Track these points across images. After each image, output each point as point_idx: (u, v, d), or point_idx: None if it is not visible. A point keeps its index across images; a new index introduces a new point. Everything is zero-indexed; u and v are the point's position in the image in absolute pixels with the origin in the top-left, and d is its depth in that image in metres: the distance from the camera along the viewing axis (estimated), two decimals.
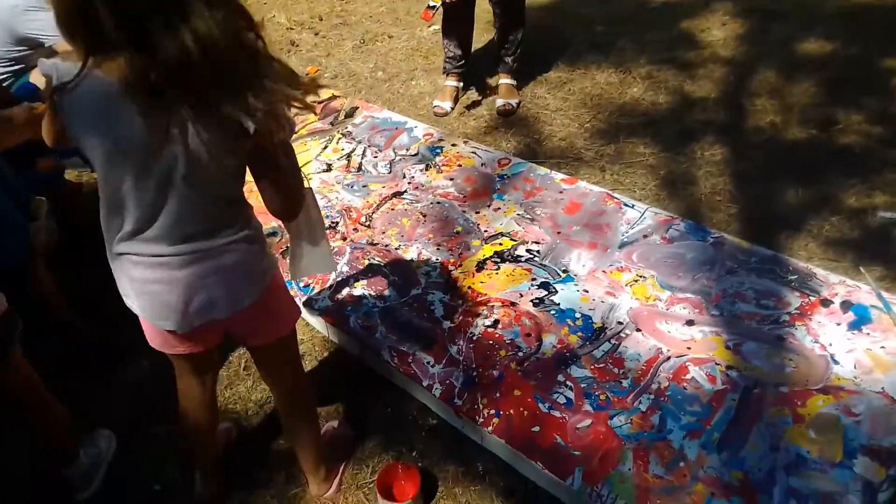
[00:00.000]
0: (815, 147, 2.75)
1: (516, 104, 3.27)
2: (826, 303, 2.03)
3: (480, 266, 2.34)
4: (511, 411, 1.84)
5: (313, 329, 2.28)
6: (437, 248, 2.45)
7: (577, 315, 2.11)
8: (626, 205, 2.52)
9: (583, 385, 1.89)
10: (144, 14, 0.95)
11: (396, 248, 2.47)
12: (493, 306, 2.17)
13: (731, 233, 2.40)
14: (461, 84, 3.43)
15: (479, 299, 2.21)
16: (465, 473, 1.79)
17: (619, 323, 2.06)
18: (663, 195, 2.65)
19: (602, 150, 2.95)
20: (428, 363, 2.01)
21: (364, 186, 2.83)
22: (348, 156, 3.05)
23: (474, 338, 2.07)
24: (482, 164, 2.87)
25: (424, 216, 2.62)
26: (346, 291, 2.30)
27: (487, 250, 2.41)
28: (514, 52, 3.24)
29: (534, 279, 2.26)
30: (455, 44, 3.31)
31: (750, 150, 2.79)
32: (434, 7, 2.88)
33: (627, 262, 2.28)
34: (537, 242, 2.42)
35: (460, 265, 2.36)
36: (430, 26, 4.05)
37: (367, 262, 2.42)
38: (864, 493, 1.56)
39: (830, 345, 1.91)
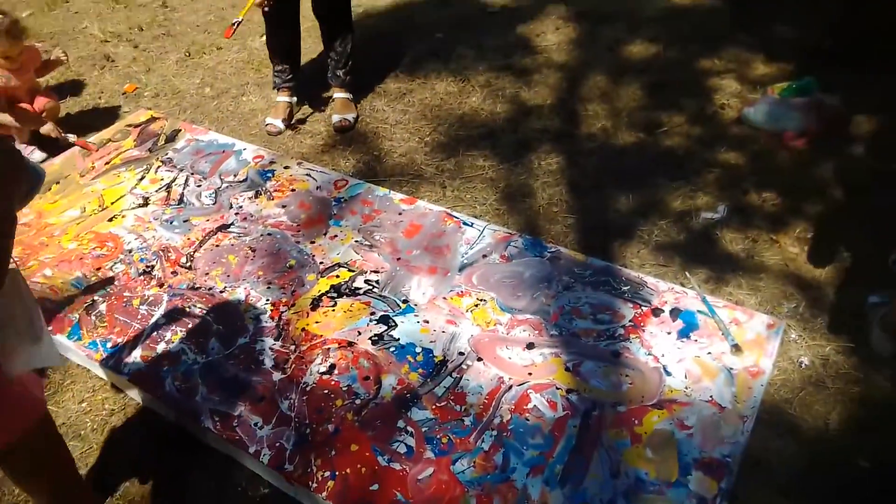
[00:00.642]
0: (643, 151, 2.83)
1: (353, 119, 3.12)
2: (657, 312, 2.06)
3: (315, 304, 2.17)
4: (347, 470, 1.69)
5: (125, 396, 2.00)
6: (268, 287, 2.24)
7: (418, 350, 1.99)
8: (465, 223, 2.45)
9: (424, 429, 1.78)
10: None
11: (221, 291, 2.24)
12: (328, 349, 2.01)
13: (569, 244, 2.40)
14: (294, 99, 3.21)
15: (313, 342, 2.04)
16: None
17: (461, 353, 1.98)
18: (503, 209, 2.60)
19: (442, 164, 2.86)
20: (256, 425, 1.81)
21: (185, 221, 2.56)
22: (168, 186, 2.75)
23: (308, 388, 1.90)
24: (317, 188, 2.69)
25: (253, 251, 2.40)
26: (161, 348, 2.05)
27: (323, 285, 2.24)
28: (344, 64, 3.08)
29: (373, 313, 2.12)
30: (282, 56, 3.09)
31: (584, 157, 2.82)
32: (236, 23, 2.67)
33: (468, 285, 2.20)
34: (376, 271, 2.28)
35: (293, 305, 2.17)
36: (261, 36, 3.79)
37: (187, 310, 2.17)
38: None
39: (663, 356, 1.93)
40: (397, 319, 2.10)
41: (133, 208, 2.65)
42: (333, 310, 2.14)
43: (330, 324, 2.10)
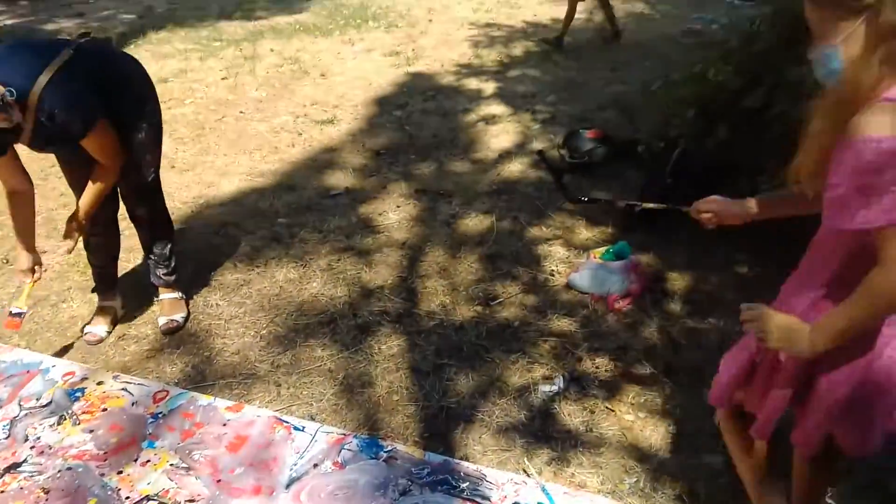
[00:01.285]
0: (481, 325, 2.85)
1: (183, 319, 2.94)
2: None
3: None
4: None
5: None
6: None
7: None
8: (296, 428, 2.27)
9: None
10: None
11: None
12: None
13: (410, 436, 2.27)
14: (118, 302, 3.01)
15: None
16: None
17: None
18: (341, 403, 2.46)
19: (278, 359, 2.72)
20: None
21: None
22: None
23: None
24: (133, 404, 2.43)
25: (47, 492, 2.07)
26: None
27: None
28: (166, 265, 2.93)
29: None
30: (101, 258, 2.93)
31: (424, 336, 2.79)
32: (20, 314, 2.55)
33: None
34: (192, 500, 2.02)
35: None
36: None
37: None
38: None
39: None
40: None
41: None
42: None
43: None
